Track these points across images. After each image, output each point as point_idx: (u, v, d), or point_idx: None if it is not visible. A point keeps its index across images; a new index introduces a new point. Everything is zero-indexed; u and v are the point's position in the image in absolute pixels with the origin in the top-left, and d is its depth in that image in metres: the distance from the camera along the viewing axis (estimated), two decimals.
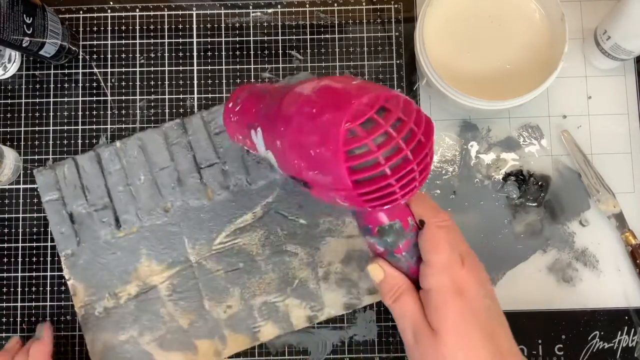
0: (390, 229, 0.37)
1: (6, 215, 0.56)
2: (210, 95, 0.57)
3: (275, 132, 0.36)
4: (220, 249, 0.54)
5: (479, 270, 0.38)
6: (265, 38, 0.58)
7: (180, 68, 0.57)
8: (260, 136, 0.39)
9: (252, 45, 0.58)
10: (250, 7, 0.58)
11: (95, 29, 0.58)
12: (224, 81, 0.57)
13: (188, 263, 0.54)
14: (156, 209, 0.54)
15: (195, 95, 0.57)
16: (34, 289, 0.55)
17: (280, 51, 0.57)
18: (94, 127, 0.57)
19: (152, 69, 0.57)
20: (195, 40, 0.58)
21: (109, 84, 0.57)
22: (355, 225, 0.52)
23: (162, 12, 0.58)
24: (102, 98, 0.57)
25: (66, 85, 0.57)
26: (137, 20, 0.58)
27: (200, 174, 0.54)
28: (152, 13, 0.58)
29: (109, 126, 0.57)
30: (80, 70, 0.58)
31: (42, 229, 0.56)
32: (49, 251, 0.55)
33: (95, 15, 0.58)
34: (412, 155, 0.33)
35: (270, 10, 0.58)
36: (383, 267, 0.39)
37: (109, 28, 0.58)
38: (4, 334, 0.55)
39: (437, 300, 0.36)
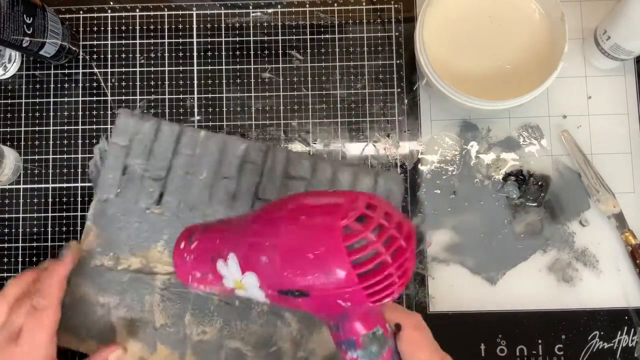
0: (374, 336, 0.37)
1: (6, 215, 0.56)
2: (210, 95, 0.57)
3: (260, 248, 0.36)
4: None
5: None
6: (265, 38, 0.58)
7: (180, 68, 0.57)
8: (234, 262, 0.38)
9: (252, 45, 0.58)
10: (250, 7, 0.58)
11: (95, 29, 0.58)
12: (224, 81, 0.57)
13: None
14: (198, 209, 0.54)
15: (195, 96, 0.57)
16: None
17: (280, 51, 0.57)
18: (94, 127, 0.57)
19: (152, 69, 0.57)
20: (195, 40, 0.58)
21: (109, 84, 0.57)
22: None
23: (162, 12, 0.58)
24: (102, 98, 0.57)
25: (66, 85, 0.57)
26: (137, 20, 0.58)
27: (253, 203, 0.53)
28: (152, 13, 0.58)
29: (109, 126, 0.57)
30: (81, 70, 0.58)
31: (42, 229, 0.56)
32: (49, 251, 0.56)
33: (95, 15, 0.58)
34: (405, 243, 0.34)
35: (270, 10, 0.58)
36: None
37: (109, 28, 0.58)
38: None
39: None
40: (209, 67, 0.57)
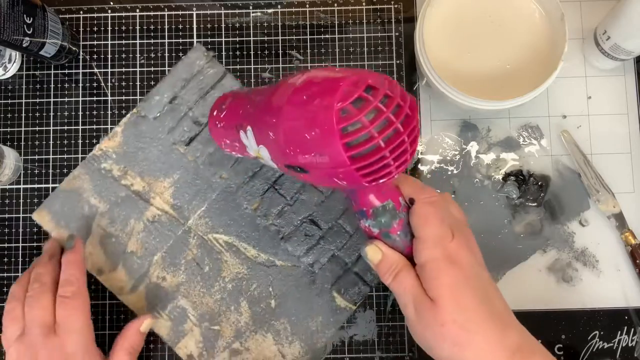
0: (384, 209, 0.40)
1: (6, 215, 0.56)
2: None
3: (268, 125, 0.38)
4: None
5: (468, 240, 0.41)
6: (265, 38, 0.58)
7: None
8: (251, 134, 0.41)
9: (252, 45, 0.58)
10: (250, 7, 0.58)
11: (95, 29, 0.58)
12: None
13: (199, 225, 0.54)
14: (216, 168, 0.55)
15: None
16: None
17: (280, 51, 0.57)
18: (94, 127, 0.57)
19: (152, 69, 0.57)
20: (195, 40, 0.58)
21: (109, 84, 0.57)
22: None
23: (162, 12, 0.58)
24: (102, 98, 0.57)
25: (66, 85, 0.57)
26: (137, 20, 0.58)
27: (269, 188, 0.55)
28: (152, 13, 0.58)
29: (109, 126, 0.57)
30: (81, 70, 0.58)
31: (42, 229, 0.56)
32: None
33: (95, 15, 0.58)
34: (403, 127, 0.35)
35: (270, 10, 0.58)
36: (380, 247, 0.41)
37: (109, 28, 0.58)
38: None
39: (432, 272, 0.39)
40: None
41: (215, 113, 0.47)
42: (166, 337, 0.53)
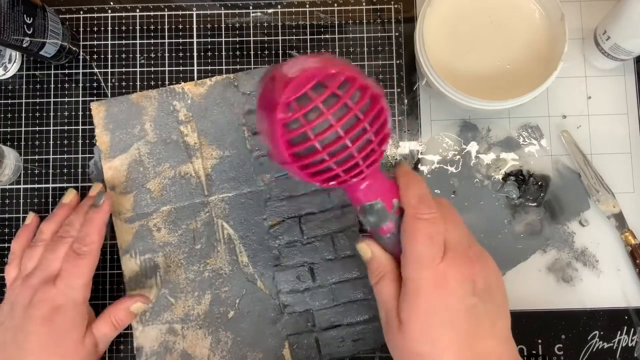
0: (371, 208, 0.37)
1: (6, 215, 0.56)
2: None
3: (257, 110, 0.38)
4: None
5: (466, 265, 0.36)
6: (265, 38, 0.58)
7: (180, 68, 0.57)
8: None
9: (252, 45, 0.58)
10: (250, 7, 0.58)
11: (95, 29, 0.58)
12: None
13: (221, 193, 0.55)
14: (274, 174, 0.55)
15: None
16: None
17: (280, 51, 0.57)
18: (94, 127, 0.57)
19: (152, 69, 0.57)
20: (195, 40, 0.58)
21: (109, 84, 0.57)
22: None
23: (162, 12, 0.58)
24: (102, 98, 0.57)
25: (66, 85, 0.57)
26: (137, 20, 0.58)
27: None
28: (152, 13, 0.58)
29: None
30: (81, 71, 0.58)
31: None
32: None
33: (95, 15, 0.58)
34: (344, 131, 0.33)
35: (270, 10, 0.58)
36: (370, 247, 0.38)
37: (109, 28, 0.58)
38: None
39: (410, 292, 0.35)
40: (209, 67, 0.57)
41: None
42: (127, 278, 0.54)
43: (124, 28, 0.58)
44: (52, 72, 0.58)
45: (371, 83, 0.34)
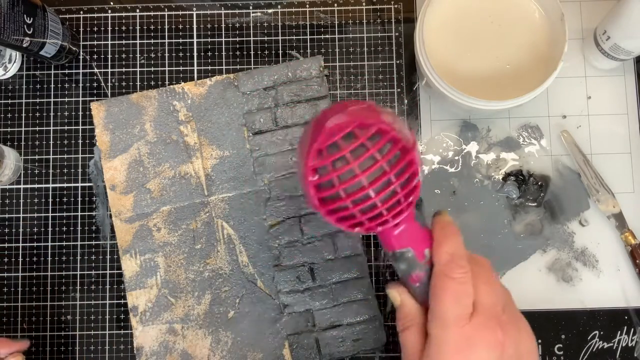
0: (402, 256, 0.37)
1: (6, 215, 0.56)
2: None
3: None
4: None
5: (495, 329, 0.34)
6: (265, 38, 0.58)
7: (180, 68, 0.57)
8: None
9: (252, 45, 0.58)
10: (250, 7, 0.58)
11: (95, 29, 0.58)
12: None
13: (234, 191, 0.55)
14: (275, 174, 0.55)
15: None
16: (34, 289, 0.55)
17: (280, 51, 0.57)
18: (94, 127, 0.57)
19: (152, 69, 0.57)
20: (195, 40, 0.58)
21: (109, 84, 0.57)
22: None
23: (162, 12, 0.58)
24: (102, 98, 0.57)
25: (66, 85, 0.57)
26: (137, 20, 0.58)
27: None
28: (152, 13, 0.58)
29: None
30: (81, 70, 0.58)
31: (42, 229, 0.56)
32: (49, 251, 0.56)
33: (95, 15, 0.58)
34: (369, 182, 0.34)
35: (270, 11, 0.58)
36: (400, 293, 0.37)
37: (109, 28, 0.58)
38: (4, 334, 0.55)
39: (432, 351, 0.34)
40: (209, 67, 0.57)
41: None
42: (127, 278, 0.54)
43: (124, 28, 0.58)
44: (52, 72, 0.58)
45: (404, 135, 0.35)
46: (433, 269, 0.36)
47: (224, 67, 0.57)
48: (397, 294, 0.38)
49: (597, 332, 0.54)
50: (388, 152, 0.34)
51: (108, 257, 0.55)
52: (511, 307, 0.37)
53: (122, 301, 0.55)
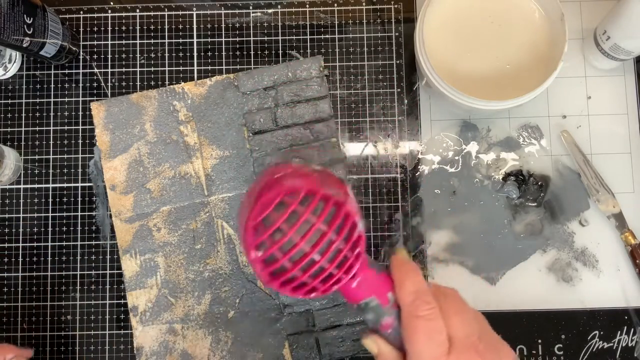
0: (367, 306, 0.36)
1: (6, 215, 0.56)
2: None
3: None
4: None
5: (477, 356, 0.33)
6: (265, 38, 0.58)
7: (180, 68, 0.57)
8: None
9: (252, 45, 0.58)
10: (250, 7, 0.58)
11: (95, 29, 0.58)
12: None
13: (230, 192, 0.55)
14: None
15: None
16: (34, 289, 0.55)
17: (280, 51, 0.57)
18: (94, 127, 0.57)
19: (152, 69, 0.57)
20: (195, 40, 0.58)
21: (109, 84, 0.57)
22: None
23: (162, 12, 0.58)
24: (102, 98, 0.57)
25: (66, 85, 0.57)
26: (137, 21, 0.58)
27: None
28: (152, 13, 0.58)
29: None
30: (81, 70, 0.58)
31: (42, 229, 0.56)
32: (49, 251, 0.56)
33: (95, 15, 0.58)
34: (311, 246, 0.34)
35: (270, 11, 0.58)
36: (377, 342, 0.36)
37: (109, 28, 0.58)
38: (4, 334, 0.55)
39: None
40: (209, 67, 0.57)
41: None
42: (127, 278, 0.54)
43: (124, 28, 0.58)
44: (52, 72, 0.58)
45: (334, 191, 0.34)
46: (401, 312, 0.35)
47: (224, 67, 0.57)
48: (373, 344, 0.36)
49: (597, 332, 0.54)
50: (322, 211, 0.34)
51: (108, 257, 0.55)
52: (487, 333, 0.36)
53: (122, 301, 0.55)
